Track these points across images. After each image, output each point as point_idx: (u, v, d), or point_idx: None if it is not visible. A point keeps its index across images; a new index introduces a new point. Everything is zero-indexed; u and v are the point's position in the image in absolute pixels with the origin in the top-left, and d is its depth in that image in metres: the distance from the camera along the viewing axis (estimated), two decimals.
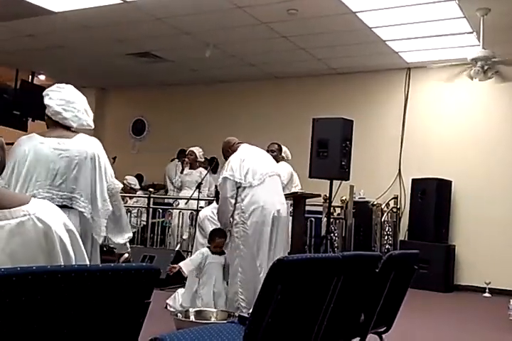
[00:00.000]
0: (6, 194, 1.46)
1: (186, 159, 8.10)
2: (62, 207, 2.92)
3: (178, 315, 4.45)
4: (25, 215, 1.38)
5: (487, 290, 7.24)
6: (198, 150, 7.97)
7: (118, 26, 7.37)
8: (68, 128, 3.10)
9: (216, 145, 7.84)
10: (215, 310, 4.65)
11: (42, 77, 10.86)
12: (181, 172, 8.28)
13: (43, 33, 7.89)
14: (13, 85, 9.99)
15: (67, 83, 3.23)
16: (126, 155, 10.31)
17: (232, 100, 9.96)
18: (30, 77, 10.53)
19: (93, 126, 3.17)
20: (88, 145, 3.11)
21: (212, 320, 4.43)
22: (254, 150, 4.96)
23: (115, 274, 1.29)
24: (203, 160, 8.19)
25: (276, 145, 6.43)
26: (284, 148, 6.76)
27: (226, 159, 4.97)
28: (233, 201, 4.62)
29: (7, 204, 1.38)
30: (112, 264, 1.33)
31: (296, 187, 6.59)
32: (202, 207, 6.78)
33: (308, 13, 6.53)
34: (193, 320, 4.36)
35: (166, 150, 9.90)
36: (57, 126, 3.08)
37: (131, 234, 3.35)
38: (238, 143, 4.96)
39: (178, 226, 7.82)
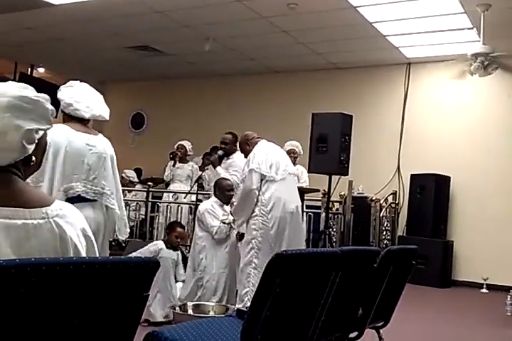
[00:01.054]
0: (28, 192, 1.41)
1: (178, 152, 8.11)
2: (92, 201, 3.03)
3: (177, 308, 4.46)
4: (43, 218, 1.35)
5: (484, 286, 7.25)
6: (187, 144, 8.00)
7: (118, 19, 7.35)
8: (85, 123, 3.12)
9: (215, 139, 7.84)
10: (212, 303, 4.68)
11: (41, 70, 10.84)
12: (173, 166, 8.28)
13: (42, 26, 7.86)
14: (13, 78, 9.96)
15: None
16: (125, 149, 10.29)
17: (232, 94, 9.94)
18: (30, 69, 10.51)
19: (107, 118, 3.19)
20: (108, 145, 3.21)
21: (211, 313, 4.46)
22: (274, 146, 4.99)
23: (114, 267, 1.29)
24: (192, 153, 8.21)
25: (230, 136, 5.81)
26: (296, 143, 6.81)
27: (243, 152, 4.99)
28: (257, 193, 4.61)
29: (28, 203, 1.36)
30: (111, 257, 1.33)
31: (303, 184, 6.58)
32: (200, 201, 6.78)
33: (309, 8, 6.52)
34: (192, 313, 4.39)
35: (165, 144, 9.89)
36: (73, 119, 3.10)
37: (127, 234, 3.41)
38: (257, 137, 4.96)
39: (166, 221, 7.78)
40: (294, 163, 6.10)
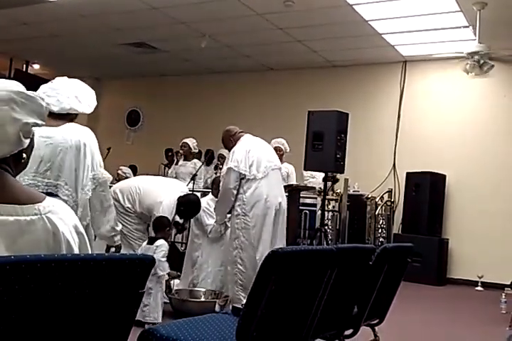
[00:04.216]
0: (21, 189, 1.42)
1: (181, 151, 8.07)
2: (47, 194, 2.91)
3: (175, 294, 4.75)
4: (36, 214, 1.35)
5: (479, 284, 7.28)
6: (191, 142, 7.93)
7: (114, 16, 7.33)
8: (59, 118, 3.07)
9: (210, 136, 7.84)
10: (203, 289, 4.91)
11: (36, 67, 10.80)
12: (176, 164, 8.26)
13: (37, 22, 7.84)
14: (7, 74, 9.93)
15: (61, 73, 3.21)
16: (121, 146, 10.29)
17: (228, 91, 9.93)
18: (25, 66, 10.47)
19: (83, 112, 3.10)
20: (74, 134, 3.06)
21: (202, 298, 4.86)
22: (257, 141, 4.90)
23: (109, 263, 1.28)
24: (197, 151, 8.16)
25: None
26: (282, 141, 6.82)
27: (227, 148, 4.91)
28: (235, 192, 4.57)
29: (21, 199, 1.36)
30: (106, 254, 1.32)
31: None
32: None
33: (305, 5, 6.51)
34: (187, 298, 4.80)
35: (161, 141, 9.88)
36: (49, 115, 3.06)
37: (119, 227, 3.31)
38: (240, 132, 4.87)
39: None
40: (281, 160, 6.06)
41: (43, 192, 2.85)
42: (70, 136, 3.05)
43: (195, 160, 8.00)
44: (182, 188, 5.28)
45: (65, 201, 2.99)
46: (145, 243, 4.44)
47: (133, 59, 9.48)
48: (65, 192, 3.01)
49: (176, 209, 4.86)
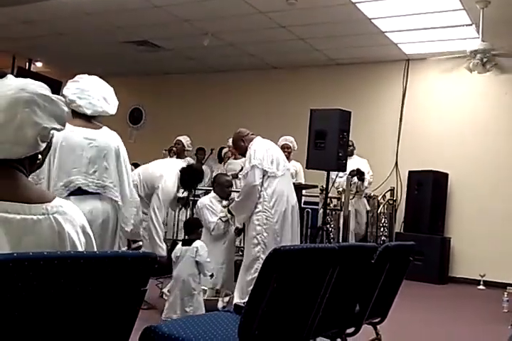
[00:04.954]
0: (30, 188, 1.42)
1: (174, 148, 8.04)
2: (95, 194, 3.02)
3: None
4: (43, 214, 1.36)
5: (481, 283, 7.27)
6: (185, 139, 7.92)
7: (116, 14, 7.33)
8: (89, 118, 3.13)
9: (212, 134, 7.88)
10: (205, 287, 4.81)
11: (39, 64, 10.79)
12: None
13: (40, 20, 7.83)
14: (10, 72, 9.93)
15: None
16: (124, 144, 10.28)
17: (230, 90, 9.92)
18: (27, 64, 10.47)
19: (112, 113, 3.20)
20: (112, 138, 3.21)
21: (204, 296, 4.69)
22: (271, 143, 5.00)
23: (111, 261, 1.29)
24: (190, 149, 8.15)
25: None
26: (290, 138, 6.87)
27: (238, 149, 5.03)
28: (260, 189, 4.62)
29: (29, 198, 1.36)
30: (109, 251, 1.33)
31: None
32: (199, 196, 6.77)
33: (308, 4, 6.50)
34: None
35: (163, 139, 9.86)
36: (76, 115, 3.11)
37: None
38: (251, 134, 4.94)
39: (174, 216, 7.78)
40: (289, 158, 6.11)
41: (93, 193, 2.96)
42: (110, 141, 3.19)
43: (188, 158, 8.00)
44: (182, 164, 5.32)
45: (116, 202, 3.10)
46: (179, 245, 4.42)
47: (136, 57, 9.48)
48: (115, 194, 3.11)
49: (180, 179, 4.95)
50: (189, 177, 4.99)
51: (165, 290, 5.12)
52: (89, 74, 3.29)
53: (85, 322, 1.28)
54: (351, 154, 7.23)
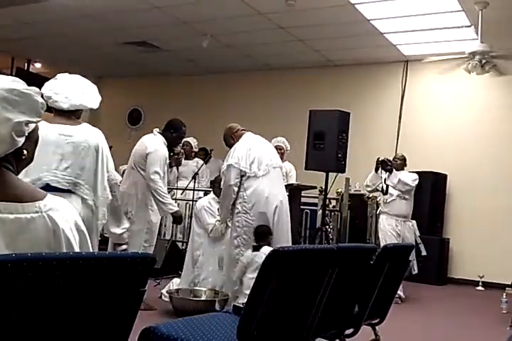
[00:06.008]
0: (21, 186, 1.41)
1: (182, 150, 8.05)
2: (65, 191, 2.97)
3: (174, 293, 4.73)
4: (37, 212, 1.35)
5: (480, 284, 7.28)
6: (193, 141, 7.93)
7: (115, 14, 7.33)
8: (69, 116, 3.11)
9: (211, 136, 7.82)
10: (204, 288, 4.87)
11: (38, 65, 10.79)
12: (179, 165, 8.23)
13: (39, 21, 7.83)
14: (9, 73, 9.93)
15: (63, 71, 3.23)
16: (123, 145, 10.26)
17: (229, 91, 9.93)
18: (26, 64, 10.47)
19: (91, 107, 3.16)
20: (92, 135, 3.16)
21: (203, 297, 4.79)
22: (259, 139, 4.86)
23: (110, 262, 1.29)
24: (197, 150, 8.14)
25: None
26: (282, 139, 6.81)
27: (228, 146, 4.84)
28: (236, 189, 4.53)
29: (21, 197, 1.35)
30: (108, 252, 1.33)
31: None
32: (200, 197, 6.77)
33: (307, 5, 6.50)
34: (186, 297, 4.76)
35: None
36: (55, 113, 3.10)
37: (127, 225, 3.36)
38: (242, 130, 4.84)
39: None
40: (282, 159, 6.01)
41: (63, 189, 2.91)
42: (89, 137, 3.14)
43: (197, 159, 7.98)
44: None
45: (85, 200, 3.06)
46: (249, 250, 4.32)
47: (135, 58, 9.48)
48: (85, 191, 3.09)
49: (167, 139, 4.86)
50: (174, 130, 4.89)
51: (164, 291, 5.12)
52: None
53: (84, 322, 1.28)
54: (401, 169, 6.61)
